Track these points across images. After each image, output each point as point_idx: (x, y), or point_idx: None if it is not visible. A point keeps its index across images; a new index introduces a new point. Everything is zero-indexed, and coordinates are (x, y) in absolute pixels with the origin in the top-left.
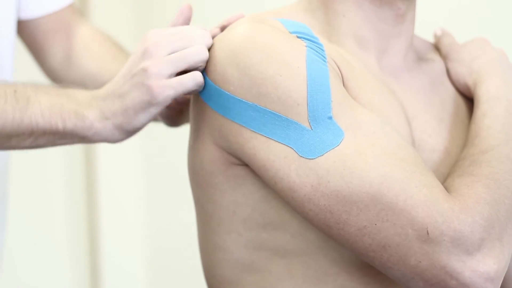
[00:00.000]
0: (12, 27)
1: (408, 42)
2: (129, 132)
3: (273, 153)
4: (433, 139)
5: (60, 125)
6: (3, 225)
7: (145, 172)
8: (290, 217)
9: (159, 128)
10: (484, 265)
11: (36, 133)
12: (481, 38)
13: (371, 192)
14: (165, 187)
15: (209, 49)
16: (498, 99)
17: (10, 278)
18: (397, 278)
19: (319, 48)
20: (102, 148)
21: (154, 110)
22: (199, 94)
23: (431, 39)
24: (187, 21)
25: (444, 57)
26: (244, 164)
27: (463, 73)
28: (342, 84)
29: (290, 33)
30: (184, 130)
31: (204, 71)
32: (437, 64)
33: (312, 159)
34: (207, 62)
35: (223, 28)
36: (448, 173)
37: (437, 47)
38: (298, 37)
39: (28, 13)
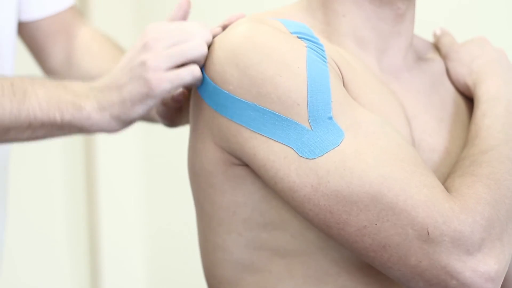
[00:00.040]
0: (12, 28)
1: (408, 42)
2: (126, 123)
3: (273, 153)
4: (433, 139)
5: (58, 117)
6: (3, 225)
7: (145, 172)
8: (290, 217)
9: (159, 128)
10: (484, 265)
11: (34, 125)
12: (481, 37)
13: (371, 192)
14: (165, 187)
15: (209, 48)
16: (498, 99)
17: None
18: (397, 278)
19: (320, 48)
20: (102, 148)
21: (151, 102)
22: (199, 94)
23: (431, 39)
24: (185, 15)
25: (444, 56)
26: (244, 164)
27: (463, 73)
28: (342, 85)
29: (291, 33)
30: (184, 130)
31: (204, 70)
32: (437, 64)
33: (312, 159)
34: (207, 61)
35: (224, 28)
36: (448, 173)
37: (437, 47)
38: (298, 37)
39: (29, 15)
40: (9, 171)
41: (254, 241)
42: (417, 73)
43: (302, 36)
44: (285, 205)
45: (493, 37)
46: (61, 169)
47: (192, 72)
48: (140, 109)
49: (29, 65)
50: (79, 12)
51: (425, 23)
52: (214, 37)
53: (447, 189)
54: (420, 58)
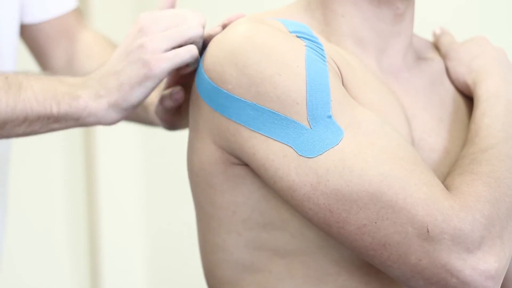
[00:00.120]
0: (14, 31)
1: (408, 42)
2: (124, 110)
3: (272, 152)
4: (433, 139)
5: (54, 108)
6: (3, 225)
7: (145, 172)
8: (290, 216)
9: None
10: (484, 263)
11: (30, 118)
12: (480, 37)
13: (371, 191)
14: (165, 187)
15: (207, 47)
16: (498, 98)
17: (10, 278)
18: (397, 276)
19: (319, 47)
20: (102, 148)
21: (150, 84)
22: (198, 94)
23: (431, 38)
24: (173, 5)
25: (443, 56)
26: (244, 163)
27: (462, 72)
28: (341, 84)
29: (290, 32)
30: (184, 130)
31: (203, 70)
32: (437, 63)
33: (312, 158)
34: (206, 61)
35: (224, 27)
36: (447, 172)
37: (436, 46)
38: (297, 36)
39: (32, 18)
40: (9, 171)
41: (254, 241)
42: (417, 73)
43: (301, 36)
44: (285, 204)
45: (493, 37)
46: (61, 169)
47: (190, 51)
48: (139, 93)
49: (30, 67)
50: (81, 15)
51: (425, 23)
52: (213, 36)
53: (447, 187)
54: (419, 58)
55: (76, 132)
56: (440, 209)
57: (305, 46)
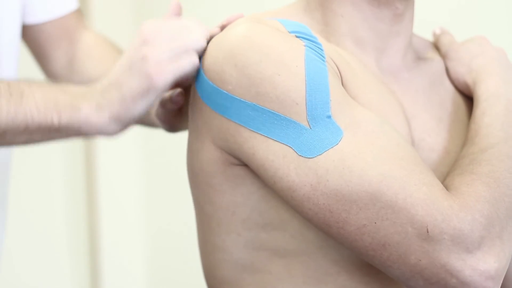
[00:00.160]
0: (16, 31)
1: (407, 41)
2: (125, 123)
3: (272, 153)
4: (433, 139)
5: (55, 119)
6: (3, 225)
7: (145, 172)
8: (290, 217)
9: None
10: (484, 263)
11: (31, 128)
12: (480, 36)
13: (371, 191)
14: (165, 187)
15: (207, 48)
16: (498, 97)
17: (10, 278)
18: (397, 276)
19: (318, 47)
20: (102, 148)
21: (153, 97)
22: (198, 94)
23: (431, 38)
24: (178, 13)
25: (443, 56)
26: (243, 164)
27: (462, 72)
28: (341, 84)
29: (289, 32)
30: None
31: (202, 70)
32: (437, 63)
33: (311, 158)
34: (206, 61)
35: (223, 28)
36: (447, 172)
37: (436, 46)
38: (296, 36)
39: (33, 18)
40: (10, 171)
41: (253, 241)
42: (417, 73)
43: (300, 35)
44: (285, 204)
45: (493, 37)
46: (61, 169)
47: (192, 62)
48: (141, 106)
49: (32, 68)
50: (82, 15)
51: (425, 23)
52: (212, 37)
53: (446, 187)
54: (419, 58)
55: None
56: (440, 209)
57: (304, 46)
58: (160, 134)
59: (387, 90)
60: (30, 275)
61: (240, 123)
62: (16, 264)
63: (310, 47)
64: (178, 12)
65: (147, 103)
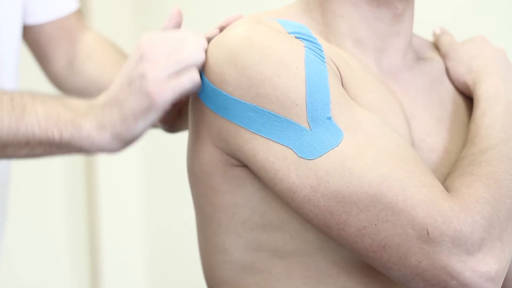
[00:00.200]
0: (17, 32)
1: (407, 42)
2: (128, 142)
3: (272, 154)
4: (433, 139)
5: (56, 135)
6: (3, 225)
7: (145, 172)
8: (290, 218)
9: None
10: (484, 265)
11: (33, 143)
12: (480, 36)
13: (371, 193)
14: (165, 187)
15: (206, 51)
16: (498, 98)
17: (10, 278)
18: (397, 278)
19: (318, 48)
20: None
21: (154, 116)
22: (198, 95)
23: (431, 38)
24: (178, 26)
25: (443, 56)
26: (244, 165)
27: (462, 72)
28: (341, 85)
29: (289, 33)
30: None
31: (202, 72)
32: (437, 63)
33: (312, 159)
34: (205, 63)
35: (222, 29)
36: (447, 173)
37: (436, 46)
38: (296, 37)
39: (34, 19)
40: (10, 171)
41: (253, 242)
42: (416, 73)
43: (300, 36)
44: (285, 206)
45: (493, 37)
46: (61, 169)
47: (192, 79)
48: (142, 125)
49: (32, 69)
50: (83, 16)
51: (425, 23)
52: (211, 38)
53: (446, 189)
54: (419, 58)
55: None
56: (440, 211)
57: (304, 47)
58: (160, 135)
59: (387, 90)
60: (30, 275)
61: (241, 124)
62: (16, 264)
63: (310, 48)
64: (179, 20)
65: (148, 121)
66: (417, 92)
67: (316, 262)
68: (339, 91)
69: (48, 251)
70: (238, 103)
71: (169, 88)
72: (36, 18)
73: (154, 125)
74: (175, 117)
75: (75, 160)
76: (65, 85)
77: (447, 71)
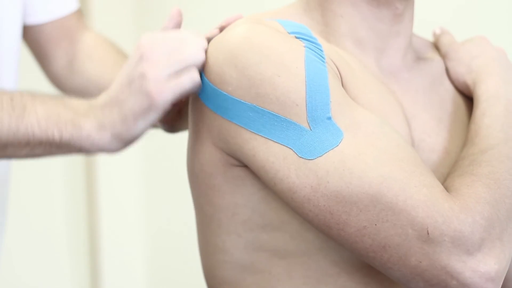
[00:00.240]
0: (17, 32)
1: (407, 42)
2: (128, 141)
3: (272, 154)
4: (433, 139)
5: (56, 135)
6: (3, 225)
7: (145, 172)
8: (290, 218)
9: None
10: (484, 265)
11: (33, 143)
12: (480, 37)
13: (371, 193)
14: (165, 187)
15: (206, 51)
16: (498, 98)
17: (10, 278)
18: (397, 278)
19: (318, 48)
20: None
21: (154, 116)
22: (198, 95)
23: (431, 38)
24: (178, 26)
25: (443, 56)
26: (244, 165)
27: (462, 72)
28: (341, 85)
29: (289, 33)
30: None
31: (202, 72)
32: (437, 63)
33: (312, 159)
34: (205, 63)
35: (222, 29)
36: (447, 173)
37: (436, 46)
38: (296, 37)
39: (34, 19)
40: (10, 171)
41: (253, 242)
42: (416, 73)
43: (300, 36)
44: (285, 206)
45: (493, 37)
46: (61, 169)
47: (192, 79)
48: (142, 125)
49: (32, 69)
50: (83, 16)
51: (425, 23)
52: (211, 38)
53: (446, 189)
54: (419, 58)
55: None
56: (440, 211)
57: (304, 47)
58: (160, 135)
59: (387, 90)
60: (30, 275)
61: (241, 124)
62: (16, 264)
63: (310, 48)
64: (179, 20)
65: (148, 122)
66: (417, 92)
67: (316, 262)
68: (339, 91)
69: (48, 251)
70: (238, 103)
71: (169, 88)
72: (36, 18)
73: (154, 125)
74: (175, 117)
75: (75, 160)
76: (65, 85)
77: (447, 71)
